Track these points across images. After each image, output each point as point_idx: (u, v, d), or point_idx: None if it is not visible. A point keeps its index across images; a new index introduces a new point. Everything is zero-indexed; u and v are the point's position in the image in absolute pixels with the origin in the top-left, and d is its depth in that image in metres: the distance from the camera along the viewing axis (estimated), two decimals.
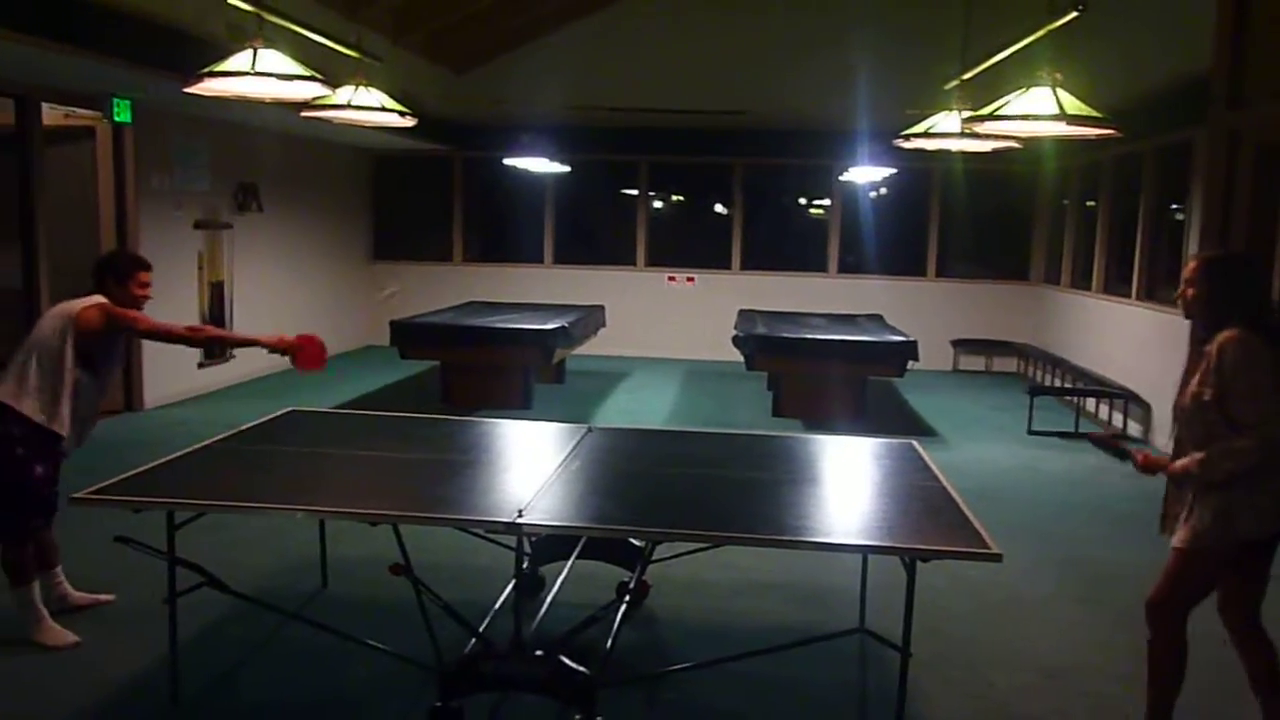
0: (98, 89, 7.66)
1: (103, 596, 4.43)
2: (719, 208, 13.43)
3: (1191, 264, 3.29)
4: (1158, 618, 3.25)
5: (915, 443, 4.44)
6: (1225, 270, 3.25)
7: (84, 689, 3.66)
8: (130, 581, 4.51)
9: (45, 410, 3.88)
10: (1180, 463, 3.17)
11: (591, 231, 13.77)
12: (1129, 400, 8.63)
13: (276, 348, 4.14)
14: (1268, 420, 3.00)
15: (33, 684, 3.72)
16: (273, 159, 10.57)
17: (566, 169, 12.14)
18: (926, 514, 3.46)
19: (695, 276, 12.96)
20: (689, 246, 13.31)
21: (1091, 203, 10.85)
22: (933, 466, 4.00)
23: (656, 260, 13.09)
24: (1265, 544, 3.17)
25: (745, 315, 10.30)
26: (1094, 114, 4.14)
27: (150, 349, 8.58)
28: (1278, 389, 3.04)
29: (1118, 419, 8.85)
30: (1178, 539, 3.18)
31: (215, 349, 4.01)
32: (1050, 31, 4.44)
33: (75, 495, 3.27)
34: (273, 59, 4.07)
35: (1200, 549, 3.12)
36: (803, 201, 13.80)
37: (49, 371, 3.89)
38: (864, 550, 3.60)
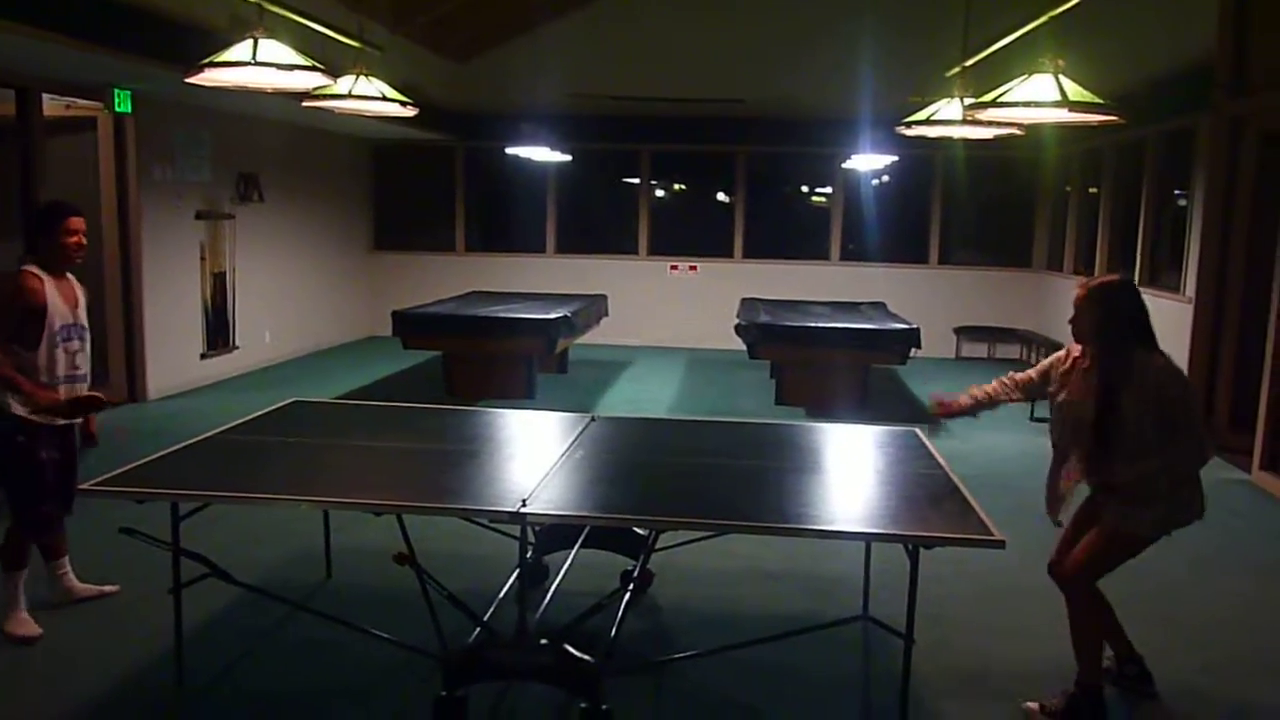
0: (99, 80, 7.65)
1: (107, 588, 4.44)
2: (721, 196, 13.41)
3: (1079, 293, 3.53)
4: (1078, 587, 3.53)
5: (918, 430, 4.44)
6: (1114, 296, 3.47)
7: (91, 678, 3.68)
8: (136, 572, 4.52)
9: (7, 398, 3.88)
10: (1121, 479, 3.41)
11: (593, 221, 13.75)
12: None
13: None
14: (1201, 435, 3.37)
15: (40, 673, 3.74)
16: (274, 149, 10.57)
17: (568, 158, 12.10)
18: (929, 501, 3.46)
19: (697, 265, 12.95)
20: (691, 235, 13.29)
21: (1094, 189, 10.83)
22: (935, 454, 4.01)
23: (659, 249, 13.08)
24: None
25: (748, 303, 10.29)
26: (1097, 100, 4.12)
27: (154, 339, 8.60)
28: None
29: None
30: (1111, 524, 3.43)
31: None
32: (1052, 17, 4.43)
33: (80, 486, 3.28)
34: (274, 49, 4.05)
35: (1137, 537, 3.41)
36: (805, 189, 13.78)
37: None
38: (867, 538, 3.60)
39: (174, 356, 8.97)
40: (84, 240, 4.10)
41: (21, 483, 3.99)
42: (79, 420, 4.19)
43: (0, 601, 4.02)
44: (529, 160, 12.00)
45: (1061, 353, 3.72)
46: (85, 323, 4.19)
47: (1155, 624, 4.23)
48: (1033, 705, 3.56)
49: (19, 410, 3.89)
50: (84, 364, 4.15)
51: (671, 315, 12.87)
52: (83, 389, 4.13)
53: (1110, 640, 3.71)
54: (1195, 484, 3.42)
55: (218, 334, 9.70)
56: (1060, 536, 3.69)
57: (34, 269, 3.97)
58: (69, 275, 4.13)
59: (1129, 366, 3.34)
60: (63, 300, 4.03)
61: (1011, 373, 3.93)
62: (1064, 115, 4.30)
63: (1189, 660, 4.04)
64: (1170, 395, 3.30)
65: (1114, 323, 3.41)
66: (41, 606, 4.17)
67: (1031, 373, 3.82)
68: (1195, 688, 3.82)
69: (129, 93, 8.03)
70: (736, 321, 9.08)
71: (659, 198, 13.51)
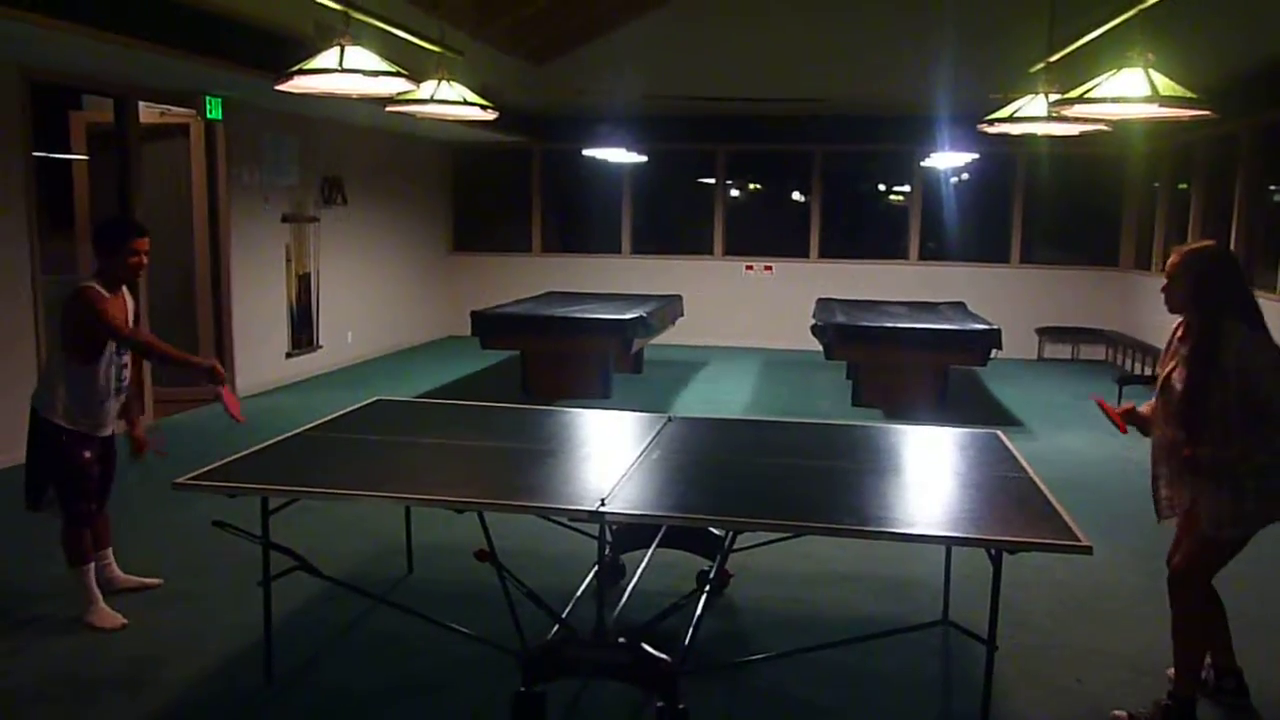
0: (192, 87, 7.90)
1: (149, 580, 4.54)
2: (797, 195, 13.32)
3: (1172, 259, 3.41)
4: (1176, 592, 3.44)
5: (1000, 433, 4.37)
6: (1206, 263, 3.35)
7: (183, 666, 3.80)
8: (226, 564, 4.67)
9: (48, 407, 4.05)
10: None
11: (669, 221, 13.77)
12: None
13: (202, 370, 4.12)
14: None
15: (134, 660, 3.87)
16: (357, 153, 10.79)
17: (644, 159, 12.16)
18: (1012, 505, 3.40)
19: (773, 265, 12.89)
20: (767, 235, 13.24)
21: (1183, 185, 10.52)
22: (1019, 456, 3.94)
23: (734, 249, 13.05)
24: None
25: (824, 304, 10.22)
26: (1188, 95, 4.02)
27: (242, 338, 8.84)
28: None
29: None
30: (1199, 520, 3.31)
31: (152, 358, 3.99)
32: (1141, 10, 4.32)
33: (176, 481, 3.38)
34: (359, 56, 4.14)
35: (1224, 534, 3.29)
36: (882, 188, 13.62)
37: (51, 366, 4.07)
38: (948, 542, 3.55)
39: (261, 355, 9.21)
40: (146, 260, 4.19)
41: (66, 482, 4.13)
42: (122, 430, 4.34)
43: (80, 597, 4.17)
44: (605, 161, 12.08)
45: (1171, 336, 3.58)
46: None
47: (1252, 630, 4.10)
48: (1121, 714, 3.48)
49: (59, 420, 4.04)
50: (128, 376, 4.28)
51: (747, 315, 12.83)
52: (122, 399, 4.27)
53: (1214, 652, 3.59)
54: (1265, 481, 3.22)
55: (302, 333, 9.94)
56: (1174, 537, 3.57)
57: (96, 285, 4.05)
58: (123, 288, 4.22)
59: (1216, 339, 3.21)
60: (118, 316, 4.11)
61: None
62: (1154, 110, 4.19)
63: None
64: (1254, 376, 3.15)
65: (1205, 292, 3.29)
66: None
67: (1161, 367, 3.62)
68: None
69: (220, 100, 8.28)
70: (812, 322, 9.02)
71: (734, 198, 13.47)
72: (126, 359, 4.23)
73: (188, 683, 3.68)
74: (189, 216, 8.51)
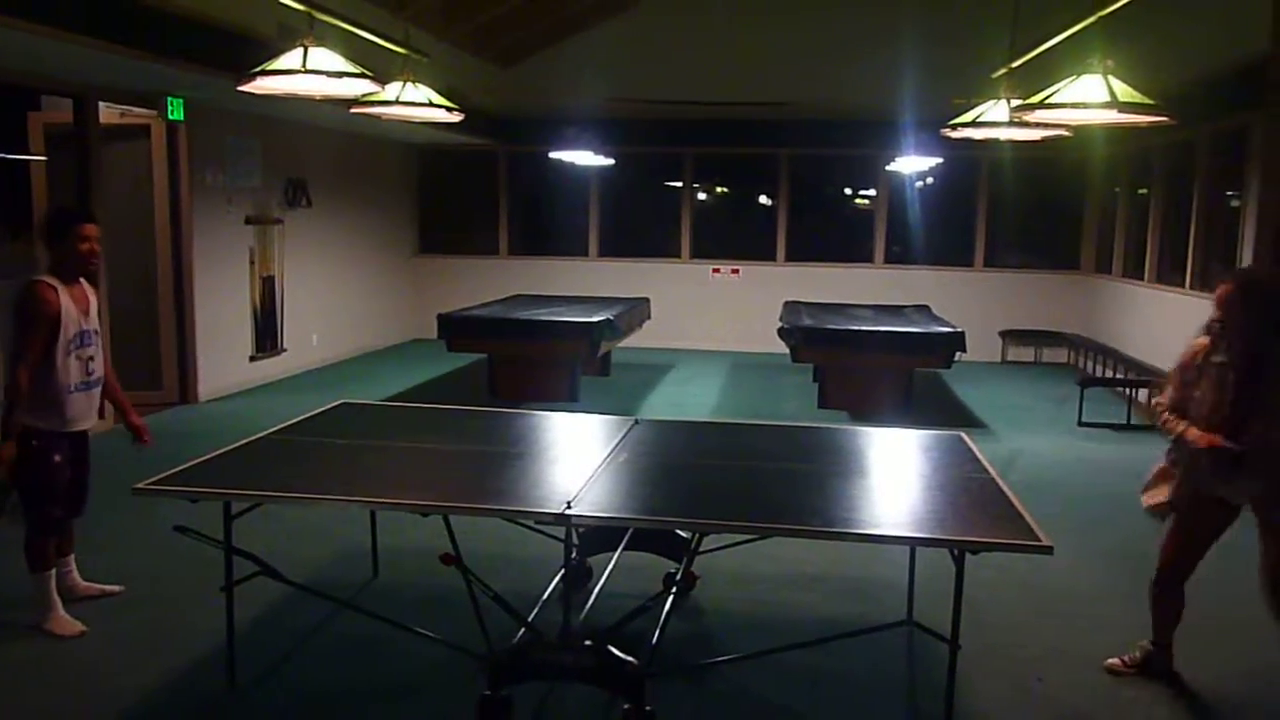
0: (153, 88, 7.81)
1: (110, 588, 4.47)
2: (764, 199, 13.38)
3: (1223, 289, 3.47)
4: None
5: (963, 434, 4.41)
6: (1260, 293, 3.44)
7: (145, 672, 3.75)
8: (188, 570, 4.62)
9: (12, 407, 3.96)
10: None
11: (636, 224, 13.79)
12: None
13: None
14: None
15: (94, 666, 3.82)
16: (322, 155, 10.72)
17: (611, 162, 12.17)
18: (975, 506, 3.44)
19: (740, 268, 12.93)
20: (734, 238, 13.29)
21: (1143, 190, 10.67)
22: (981, 458, 3.98)
23: (701, 252, 13.09)
24: None
25: (790, 306, 10.26)
26: (1146, 101, 4.08)
27: (205, 342, 8.75)
28: None
29: None
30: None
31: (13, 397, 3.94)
32: (1101, 17, 4.38)
33: (136, 486, 3.34)
34: (323, 57, 4.12)
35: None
36: (848, 192, 13.72)
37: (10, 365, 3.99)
38: (912, 542, 3.59)
39: (224, 359, 9.12)
40: (97, 248, 4.12)
41: (34, 486, 4.05)
42: (91, 427, 4.25)
43: (39, 604, 4.10)
44: (572, 164, 12.08)
45: (1187, 352, 3.68)
46: (97, 326, 4.23)
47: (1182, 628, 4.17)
48: (1115, 661, 3.82)
49: (25, 419, 3.94)
50: (97, 368, 4.20)
51: (714, 318, 12.87)
52: (97, 393, 4.21)
53: (1161, 628, 3.78)
54: None
55: (266, 337, 9.85)
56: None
57: (48, 279, 3.99)
58: (81, 280, 4.14)
59: (1272, 365, 3.31)
60: (75, 307, 4.05)
61: (1161, 407, 3.76)
62: (1113, 116, 4.25)
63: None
64: None
65: (1259, 320, 3.37)
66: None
67: (1171, 389, 3.71)
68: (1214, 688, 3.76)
69: (182, 100, 8.19)
70: (779, 325, 9.06)
71: (701, 201, 13.51)
72: (94, 350, 4.15)
73: (147, 690, 3.64)
74: (151, 219, 8.41)
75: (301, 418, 4.52)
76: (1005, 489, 3.51)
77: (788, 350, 8.72)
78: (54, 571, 4.14)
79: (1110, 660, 3.88)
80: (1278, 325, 3.34)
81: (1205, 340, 3.56)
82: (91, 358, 4.15)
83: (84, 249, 4.04)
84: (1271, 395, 3.32)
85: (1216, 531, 3.64)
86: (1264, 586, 3.56)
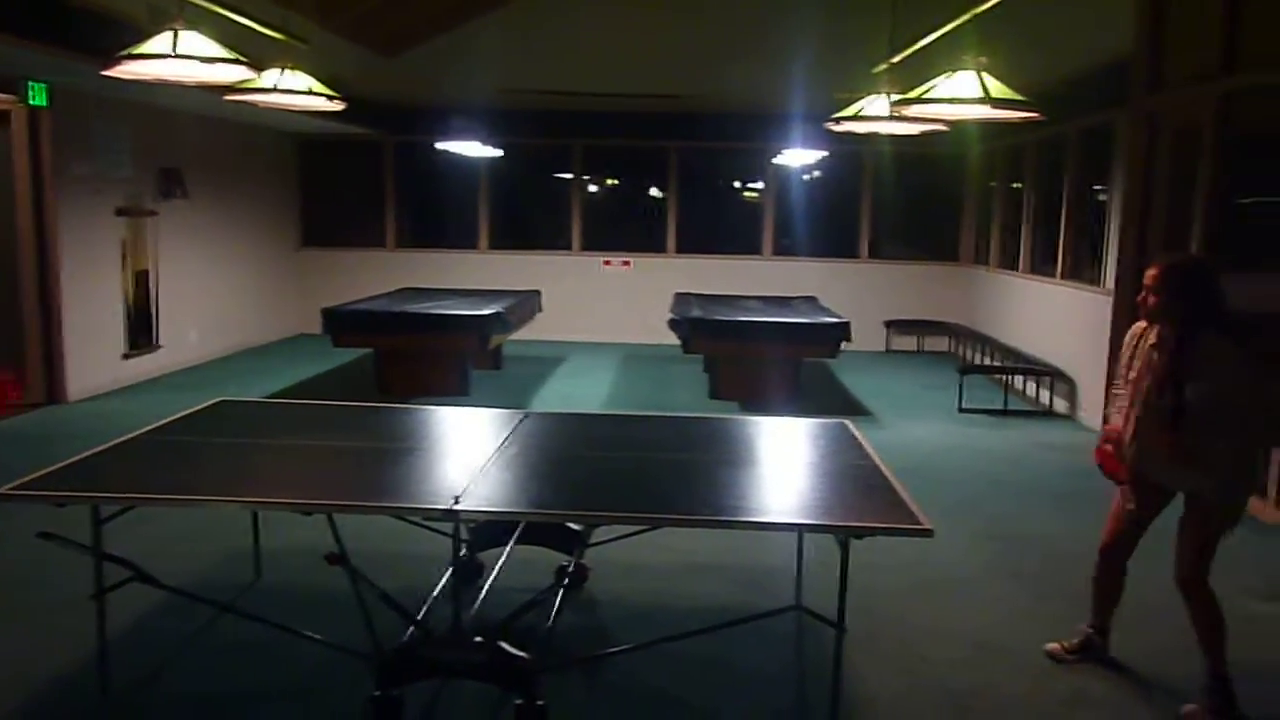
0: (12, 72, 7.42)
1: None
2: (654, 191, 13.44)
3: (1152, 271, 3.51)
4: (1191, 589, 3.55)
5: (849, 422, 4.50)
6: (1185, 276, 3.47)
7: (11, 686, 3.57)
8: (57, 577, 4.41)
9: None
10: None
11: (526, 216, 13.70)
12: (1055, 377, 8.85)
13: None
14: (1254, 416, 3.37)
15: None
16: (197, 144, 10.34)
17: (500, 153, 12.05)
18: (860, 492, 3.51)
19: (631, 260, 12.97)
20: (624, 230, 13.31)
21: (1017, 184, 11.07)
22: (866, 445, 4.06)
23: (592, 244, 13.07)
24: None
25: (681, 298, 10.34)
26: (1018, 97, 4.22)
27: (74, 339, 8.37)
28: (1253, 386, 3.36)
29: (1045, 396, 9.07)
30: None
31: None
32: (975, 15, 4.51)
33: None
34: (195, 41, 3.96)
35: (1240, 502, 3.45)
36: (737, 184, 13.87)
37: None
38: (799, 529, 3.65)
39: (95, 357, 8.74)
40: None
41: None
42: None
43: None
44: (460, 155, 11.92)
45: (1129, 335, 3.71)
46: None
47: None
48: (1054, 646, 3.92)
49: None
50: None
51: (605, 311, 12.88)
52: None
53: (1101, 612, 3.89)
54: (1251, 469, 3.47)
55: (140, 333, 9.47)
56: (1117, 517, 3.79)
57: None
58: None
59: (1195, 350, 3.34)
60: None
61: (1116, 394, 3.81)
62: (986, 112, 4.39)
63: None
64: (1227, 385, 3.30)
65: (1184, 304, 3.40)
66: None
67: (1123, 370, 3.74)
68: (1138, 666, 3.93)
69: (45, 86, 7.80)
70: (670, 316, 9.12)
71: (591, 193, 13.49)
72: None
73: (13, 703, 3.46)
74: (11, 209, 7.99)
75: (178, 416, 4.36)
76: (888, 474, 3.60)
77: (679, 342, 8.79)
78: None
79: (1050, 645, 3.96)
80: (1200, 308, 3.39)
81: (1144, 324, 3.61)
82: None
83: None
84: (1193, 384, 3.36)
85: (1155, 510, 3.70)
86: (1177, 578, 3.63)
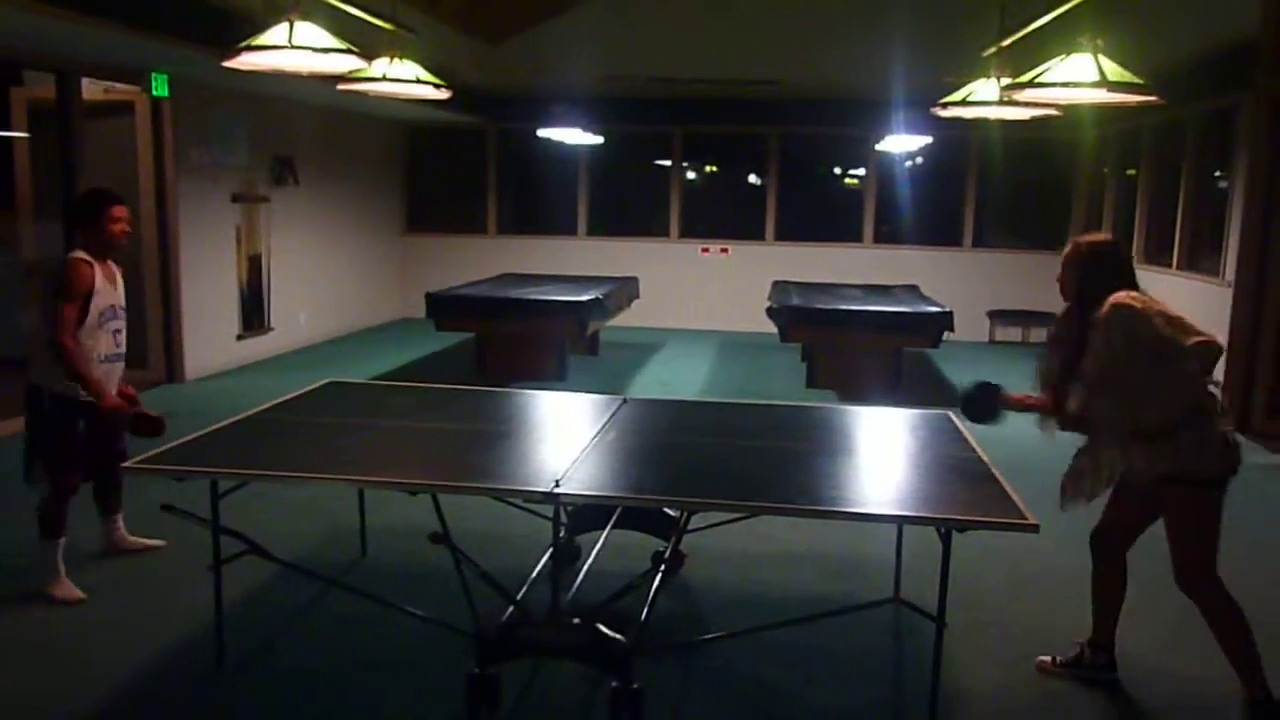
0: (136, 64, 7.73)
1: (153, 542, 4.68)
2: (753, 178, 13.36)
3: (1066, 250, 3.53)
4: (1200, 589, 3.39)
5: (951, 414, 4.42)
6: (1095, 256, 3.47)
7: (133, 650, 3.75)
8: (176, 548, 4.62)
9: (41, 374, 4.12)
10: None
11: (625, 203, 13.75)
12: None
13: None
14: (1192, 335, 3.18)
15: (82, 642, 3.81)
16: (308, 132, 10.64)
17: (600, 140, 12.11)
18: (962, 485, 3.45)
19: (729, 247, 12.92)
20: (723, 217, 13.26)
21: (1132, 171, 10.69)
22: (968, 437, 3.99)
23: (690, 231, 13.06)
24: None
25: (779, 286, 10.26)
26: (1136, 80, 4.07)
27: (191, 321, 8.71)
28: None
29: None
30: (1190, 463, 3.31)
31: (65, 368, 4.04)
32: None
33: (123, 464, 3.33)
34: (309, 32, 4.07)
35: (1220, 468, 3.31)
36: (838, 171, 13.70)
37: (43, 334, 4.10)
38: (899, 521, 3.59)
39: (210, 338, 9.08)
40: (129, 227, 4.30)
41: (55, 453, 4.16)
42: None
43: (45, 568, 4.17)
44: (561, 142, 12.02)
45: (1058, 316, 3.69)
46: (124, 303, 4.37)
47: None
48: (1045, 659, 3.72)
49: (52, 386, 4.08)
50: (123, 343, 4.34)
51: (703, 298, 12.86)
52: (121, 367, 4.33)
53: (1102, 619, 3.71)
54: (1206, 425, 3.27)
55: (253, 316, 9.81)
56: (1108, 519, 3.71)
57: (83, 255, 4.15)
58: (109, 259, 4.29)
59: (1107, 327, 3.30)
60: (107, 283, 4.21)
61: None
62: (1102, 96, 4.24)
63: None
64: (1140, 336, 3.22)
65: (1093, 283, 3.39)
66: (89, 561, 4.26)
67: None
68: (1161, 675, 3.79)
69: (166, 76, 8.11)
70: (768, 304, 9.05)
71: (690, 180, 13.48)
72: (121, 325, 4.28)
73: (136, 668, 3.64)
74: (135, 196, 8.34)
75: (289, 396, 4.51)
76: (992, 468, 3.53)
77: (776, 330, 8.73)
78: (63, 541, 4.18)
79: (1041, 658, 3.78)
80: (1099, 287, 3.35)
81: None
82: (119, 331, 4.29)
83: (117, 229, 4.22)
84: (1091, 359, 3.32)
85: (1142, 514, 3.63)
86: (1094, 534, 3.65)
